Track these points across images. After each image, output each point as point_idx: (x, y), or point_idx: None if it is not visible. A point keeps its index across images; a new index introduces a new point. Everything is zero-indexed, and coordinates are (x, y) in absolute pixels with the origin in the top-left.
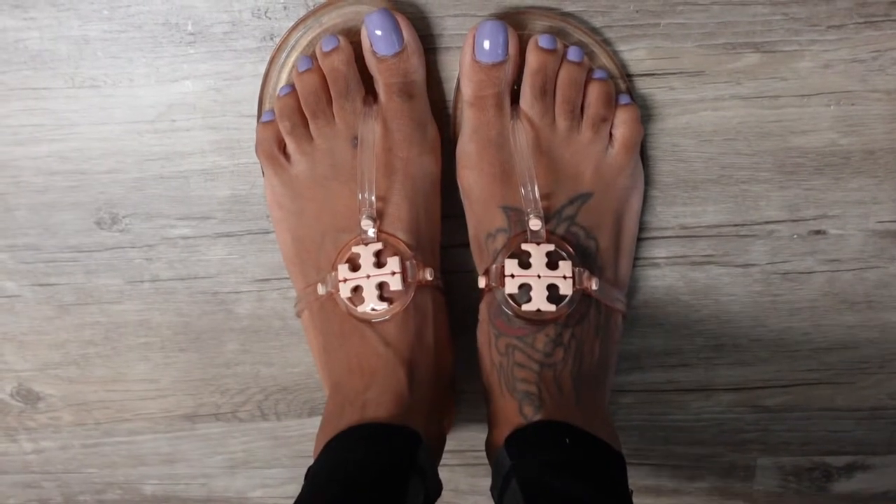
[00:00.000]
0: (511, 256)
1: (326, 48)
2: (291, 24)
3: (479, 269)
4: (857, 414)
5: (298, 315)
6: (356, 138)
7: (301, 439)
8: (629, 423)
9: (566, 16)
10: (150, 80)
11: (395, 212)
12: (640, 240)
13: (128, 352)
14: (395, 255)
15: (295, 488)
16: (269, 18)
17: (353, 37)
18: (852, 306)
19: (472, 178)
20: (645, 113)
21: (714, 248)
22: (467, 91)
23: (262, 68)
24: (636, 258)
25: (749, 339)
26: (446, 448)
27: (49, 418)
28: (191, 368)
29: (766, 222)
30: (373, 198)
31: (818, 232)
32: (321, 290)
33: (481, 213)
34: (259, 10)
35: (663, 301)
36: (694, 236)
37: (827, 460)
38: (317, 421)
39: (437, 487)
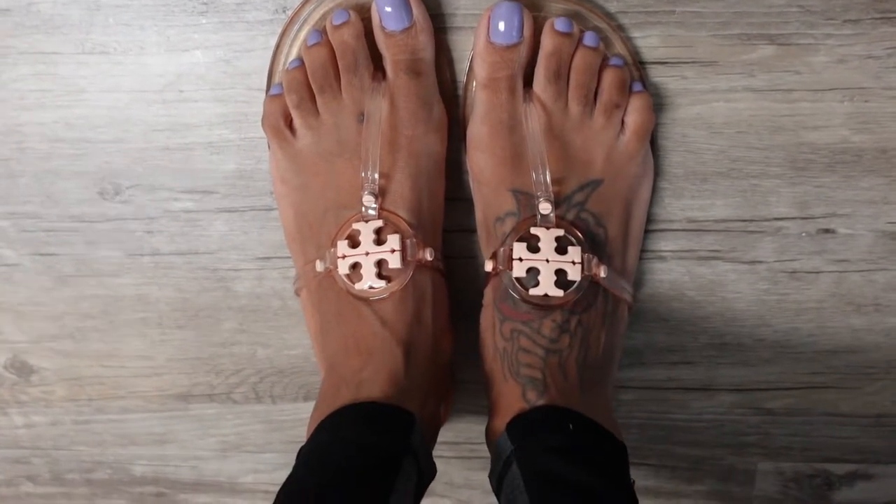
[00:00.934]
0: (520, 240)
1: (337, 21)
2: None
3: (486, 252)
4: (862, 420)
5: (297, 293)
6: (362, 114)
7: (295, 424)
8: (630, 420)
9: (581, 0)
10: (160, 48)
11: (398, 189)
12: (647, 232)
13: (124, 326)
14: (395, 232)
15: (286, 474)
16: None
17: (364, 13)
18: (859, 309)
19: (482, 160)
20: (656, 102)
21: (721, 244)
22: (481, 73)
23: (274, 41)
24: (643, 250)
25: (753, 339)
26: (442, 440)
27: (42, 392)
28: (187, 346)
29: (775, 219)
30: (376, 175)
31: (827, 231)
32: (320, 266)
33: (491, 197)
34: None
35: (668, 296)
36: (701, 230)
37: (829, 467)
38: (311, 406)
39: (430, 469)
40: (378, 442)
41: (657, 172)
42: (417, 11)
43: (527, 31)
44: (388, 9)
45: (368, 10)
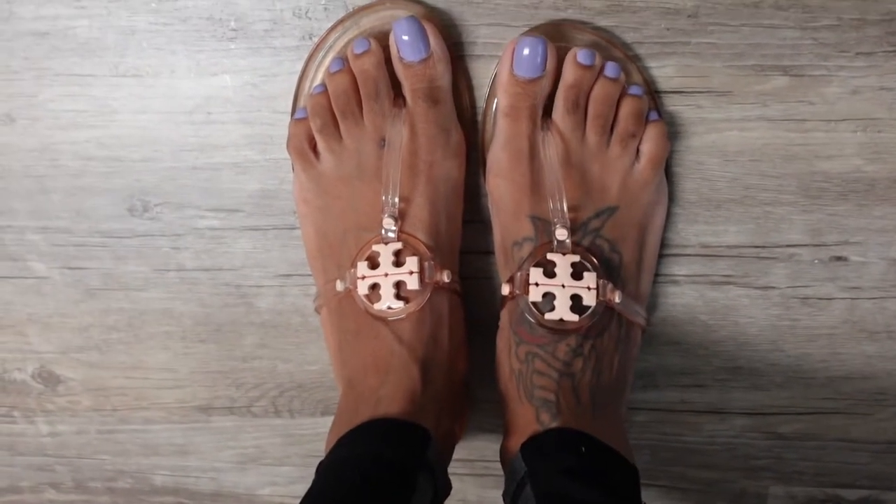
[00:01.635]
0: (537, 265)
1: (358, 50)
2: (330, 24)
3: (503, 276)
4: (873, 447)
5: (317, 311)
6: (383, 140)
7: (313, 438)
8: (642, 441)
9: (598, 30)
10: (190, 72)
11: (417, 213)
12: (660, 256)
13: (149, 339)
14: (414, 255)
15: (303, 488)
16: (310, 18)
17: (386, 40)
18: (871, 336)
19: (502, 186)
20: (671, 130)
21: (734, 269)
22: (503, 102)
23: (300, 66)
24: (656, 274)
25: (766, 364)
26: (457, 457)
27: (68, 402)
28: (209, 360)
29: (788, 245)
30: (396, 198)
31: (840, 258)
32: (340, 286)
33: (509, 222)
34: (300, 9)
35: (681, 319)
36: (714, 255)
37: (840, 493)
38: (329, 421)
39: (446, 486)
40: (395, 456)
41: (671, 199)
42: (434, 42)
43: (550, 65)
44: (406, 38)
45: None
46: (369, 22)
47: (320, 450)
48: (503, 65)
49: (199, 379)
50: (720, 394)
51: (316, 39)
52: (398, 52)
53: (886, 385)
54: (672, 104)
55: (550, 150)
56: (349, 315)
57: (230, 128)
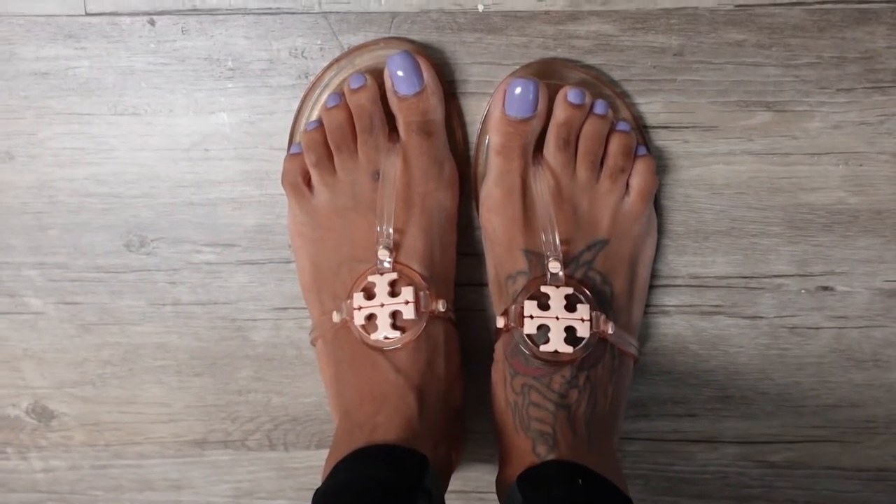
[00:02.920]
0: (531, 298)
1: (354, 85)
2: (326, 63)
3: (498, 309)
4: (864, 475)
5: (313, 343)
6: (377, 172)
7: (307, 472)
8: (635, 471)
9: (587, 68)
10: (188, 110)
11: (412, 244)
12: (651, 287)
13: (144, 374)
14: (409, 285)
15: None
16: (306, 58)
17: (380, 77)
18: (859, 364)
19: (495, 221)
20: (659, 164)
21: (723, 299)
22: (495, 140)
23: (296, 104)
24: (647, 305)
25: (756, 392)
26: (451, 488)
27: (61, 437)
28: (204, 394)
29: (775, 276)
30: (390, 229)
31: (826, 288)
32: (336, 317)
33: (503, 256)
34: (296, 49)
35: (672, 349)
36: (703, 286)
37: None
38: (324, 454)
39: None
40: (393, 481)
41: (661, 231)
42: (427, 76)
43: (541, 105)
44: (400, 73)
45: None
46: (364, 61)
47: (315, 483)
48: (495, 104)
49: (193, 413)
50: (711, 423)
51: (312, 78)
52: (393, 86)
53: (875, 413)
54: (660, 139)
55: (542, 186)
56: (345, 346)
57: (227, 164)
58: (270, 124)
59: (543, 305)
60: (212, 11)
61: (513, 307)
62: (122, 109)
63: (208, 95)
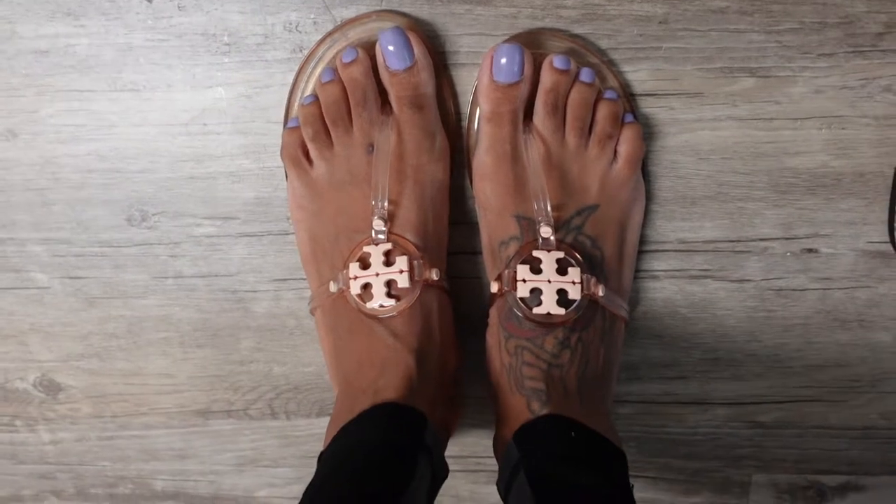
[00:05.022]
0: (523, 262)
1: (346, 59)
2: (320, 37)
3: (491, 274)
4: (851, 433)
5: (312, 313)
6: (371, 145)
7: (309, 439)
8: (628, 433)
9: (575, 37)
10: (186, 86)
11: (405, 215)
12: (640, 253)
13: (148, 346)
14: (403, 254)
15: (300, 488)
16: (300, 32)
17: (373, 50)
18: (844, 324)
19: (488, 188)
20: (646, 131)
21: (711, 263)
22: (485, 108)
23: (291, 78)
24: (637, 270)
25: (744, 354)
26: (448, 453)
27: (68, 409)
28: (207, 365)
29: (761, 239)
30: (385, 201)
31: (810, 250)
32: (333, 287)
33: (495, 222)
34: (291, 24)
35: (662, 313)
36: (691, 251)
37: (820, 479)
38: (325, 421)
39: (442, 470)
40: (396, 439)
41: (649, 197)
42: (418, 51)
43: (527, 70)
44: (391, 48)
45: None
46: (356, 34)
47: (316, 450)
48: (483, 72)
49: (197, 383)
50: (702, 385)
51: (306, 52)
52: (384, 61)
53: (860, 372)
54: (646, 106)
55: (532, 152)
56: (343, 315)
57: (225, 138)
58: (267, 98)
59: (535, 269)
60: None
61: (506, 272)
62: (122, 86)
63: (205, 70)
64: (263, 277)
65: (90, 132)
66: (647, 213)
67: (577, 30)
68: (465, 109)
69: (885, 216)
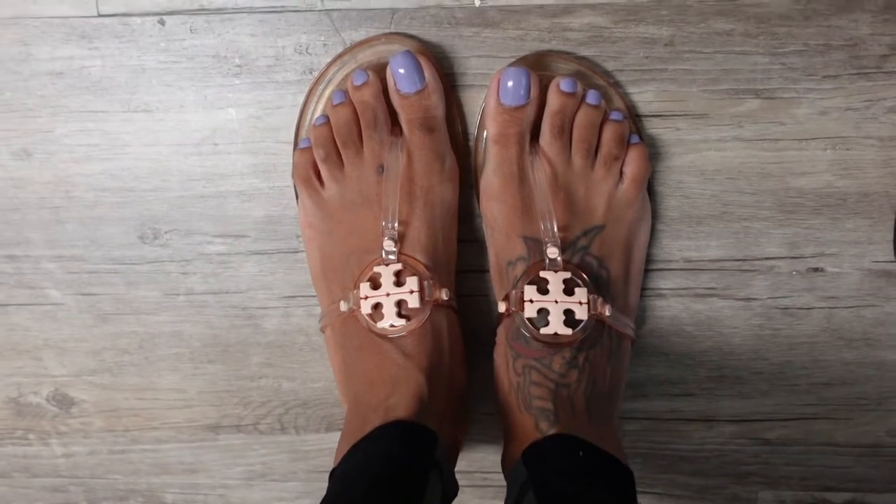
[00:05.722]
0: (530, 283)
1: (357, 82)
2: (329, 59)
3: (499, 294)
4: (856, 450)
5: (322, 331)
6: (382, 167)
7: (318, 454)
8: (634, 450)
9: (581, 59)
10: (197, 106)
11: (415, 235)
12: (646, 271)
13: (159, 361)
14: (413, 275)
15: (309, 503)
16: (310, 54)
17: (382, 72)
18: (850, 343)
19: (495, 209)
20: (652, 151)
21: (717, 282)
22: (492, 130)
23: (301, 99)
24: (643, 289)
25: (750, 372)
26: (456, 468)
27: (81, 423)
28: (217, 380)
29: (767, 258)
30: (395, 222)
31: (816, 269)
32: (344, 306)
33: (503, 242)
34: (301, 46)
35: (668, 331)
36: (697, 269)
37: (826, 496)
38: (334, 436)
39: (452, 488)
40: (408, 457)
41: (655, 216)
42: (429, 74)
43: (533, 93)
44: (402, 71)
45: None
46: (366, 56)
47: (326, 465)
48: (490, 95)
49: (207, 398)
50: (707, 402)
51: (316, 74)
52: (395, 84)
53: (866, 390)
54: (652, 127)
55: (539, 174)
56: (353, 334)
57: (235, 158)
58: (277, 119)
59: (543, 290)
60: (219, 10)
61: (513, 292)
62: (135, 106)
63: (217, 92)
64: (273, 294)
65: (103, 152)
66: (653, 232)
67: (584, 52)
68: (473, 130)
69: (890, 235)
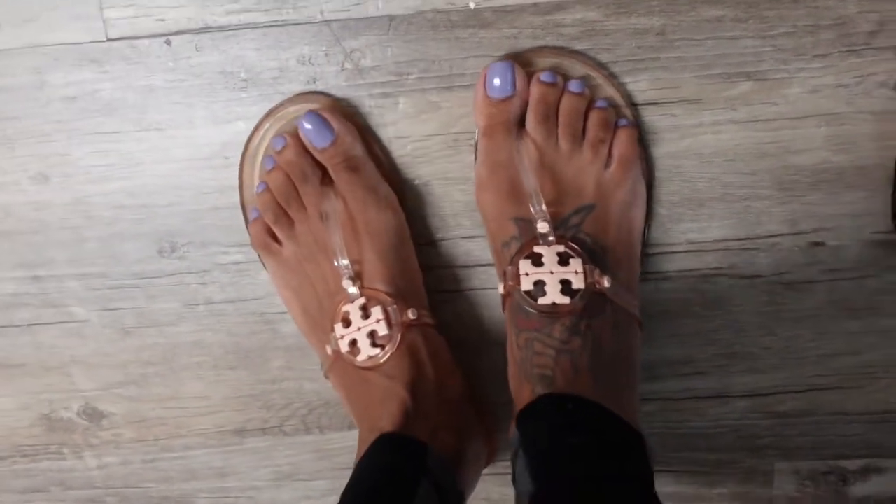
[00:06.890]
0: (525, 258)
1: (277, 147)
2: (297, 91)
3: (499, 277)
4: (867, 417)
5: (326, 377)
6: (323, 214)
7: (342, 452)
8: (651, 430)
9: (575, 53)
10: (207, 122)
11: (370, 268)
12: (652, 255)
13: (183, 371)
14: (377, 304)
15: (335, 500)
16: (313, 64)
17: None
18: (854, 313)
19: (486, 197)
20: (650, 138)
21: (721, 262)
22: (481, 123)
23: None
24: (650, 272)
25: (759, 348)
26: None
27: (112, 435)
28: (240, 385)
29: (769, 236)
30: (345, 261)
31: (817, 244)
32: (328, 350)
33: (496, 227)
34: (304, 57)
35: (677, 312)
36: (702, 251)
37: (841, 464)
38: (356, 434)
39: (455, 494)
40: (392, 463)
41: (657, 201)
42: (336, 123)
43: (520, 85)
44: (310, 127)
45: None
46: (278, 122)
47: (350, 462)
48: (478, 90)
49: (231, 404)
50: (720, 379)
51: (241, 151)
52: (309, 142)
53: (873, 358)
54: (648, 115)
55: (525, 157)
56: (346, 372)
57: None
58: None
59: (537, 263)
60: (223, 28)
61: (509, 268)
62: (146, 125)
63: (225, 106)
64: None
65: (119, 171)
66: (655, 216)
67: (578, 46)
68: (473, 130)
69: (888, 207)
